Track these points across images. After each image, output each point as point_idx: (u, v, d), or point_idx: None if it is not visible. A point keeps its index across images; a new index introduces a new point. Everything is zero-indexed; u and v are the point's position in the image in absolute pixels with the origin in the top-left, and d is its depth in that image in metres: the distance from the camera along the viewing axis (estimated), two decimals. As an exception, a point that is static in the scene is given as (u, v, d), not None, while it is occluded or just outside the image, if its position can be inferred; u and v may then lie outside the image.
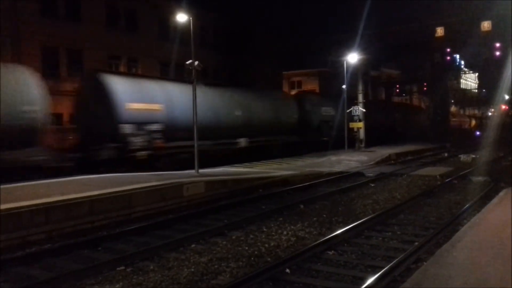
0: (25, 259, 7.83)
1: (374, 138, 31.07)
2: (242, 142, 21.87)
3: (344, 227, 9.34)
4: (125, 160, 16.28)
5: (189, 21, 16.07)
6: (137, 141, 16.59)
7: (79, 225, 9.65)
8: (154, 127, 17.31)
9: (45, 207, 9.19)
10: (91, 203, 10.00)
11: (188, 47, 16.01)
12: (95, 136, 16.39)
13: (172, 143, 17.73)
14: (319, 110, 28.96)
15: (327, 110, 29.38)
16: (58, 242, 8.91)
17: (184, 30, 21.83)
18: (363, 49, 30.97)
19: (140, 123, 16.80)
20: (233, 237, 9.12)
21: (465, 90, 78.06)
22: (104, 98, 16.44)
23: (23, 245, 8.58)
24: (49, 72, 24.18)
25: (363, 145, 29.60)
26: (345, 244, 8.52)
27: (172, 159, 17.75)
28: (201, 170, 15.47)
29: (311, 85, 51.18)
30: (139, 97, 17.29)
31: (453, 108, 67.49)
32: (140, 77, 19.84)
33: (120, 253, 8.14)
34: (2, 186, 11.05)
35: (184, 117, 17.96)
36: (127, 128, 16.36)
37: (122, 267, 7.39)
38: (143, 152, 16.52)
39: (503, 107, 53.58)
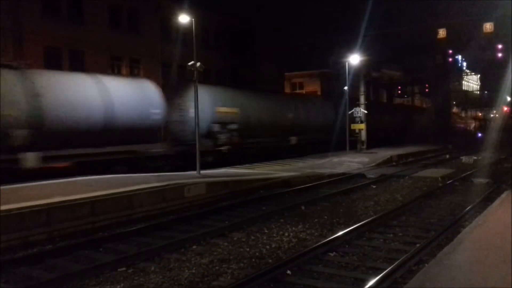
0: (26, 260, 7.83)
1: (375, 140, 31.04)
2: (293, 139, 25.57)
3: (345, 228, 9.33)
4: (214, 153, 20.32)
5: (191, 22, 16.09)
6: (222, 137, 20.76)
7: (80, 225, 9.66)
8: (233, 126, 21.34)
9: (47, 208, 9.20)
10: (92, 204, 10.01)
11: (190, 48, 16.05)
12: (190, 133, 19.48)
13: (245, 140, 22.35)
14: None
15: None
16: (60, 243, 8.92)
17: (186, 31, 21.90)
18: (365, 50, 30.93)
19: (224, 123, 20.91)
20: (234, 238, 9.12)
21: (466, 91, 77.94)
22: (200, 103, 19.17)
23: (24, 245, 8.59)
24: (51, 73, 24.17)
25: (364, 146, 29.56)
26: (347, 246, 8.51)
27: (244, 153, 22.27)
28: (202, 171, 15.48)
29: (313, 86, 51.14)
30: (223, 103, 21.36)
31: (455, 110, 67.44)
32: (223, 86, 24.78)
33: (121, 254, 8.15)
34: (3, 187, 11.07)
35: (254, 119, 22.95)
36: (216, 127, 20.43)
37: (123, 268, 7.39)
38: (226, 147, 20.60)
39: (505, 108, 53.51)
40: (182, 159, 18.80)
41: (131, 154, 16.57)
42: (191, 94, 19.28)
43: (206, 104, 19.69)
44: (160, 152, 17.87)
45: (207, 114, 19.86)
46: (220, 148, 20.54)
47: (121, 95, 16.69)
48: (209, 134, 20.25)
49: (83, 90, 15.58)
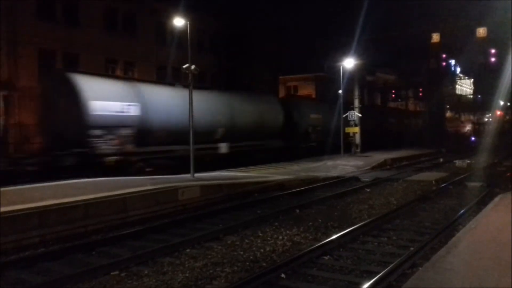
0: (19, 263, 7.77)
1: (370, 143, 31.14)
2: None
3: (340, 232, 9.33)
4: (307, 148, 27.50)
5: (186, 25, 16.07)
6: (313, 136, 28.37)
7: (73, 229, 9.59)
8: (318, 128, 28.84)
9: (40, 210, 9.13)
10: (85, 207, 9.95)
11: (186, 51, 16.02)
12: (296, 132, 27.21)
13: (325, 138, 29.15)
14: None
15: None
16: (52, 246, 8.85)
17: (181, 34, 21.90)
18: (360, 54, 31.09)
19: (314, 126, 28.46)
20: (228, 242, 9.09)
21: (460, 95, 78.36)
22: (298, 111, 27.69)
23: (17, 249, 8.51)
24: (45, 75, 24.07)
25: (359, 150, 29.66)
26: (341, 249, 8.50)
27: (323, 147, 28.27)
28: (196, 174, 15.43)
29: (308, 90, 51.25)
30: (314, 111, 29.17)
31: (449, 114, 67.75)
32: (312, 100, 35.31)
33: (114, 257, 8.09)
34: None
35: (329, 123, 29.44)
36: (310, 129, 28.26)
37: (116, 272, 7.34)
38: (314, 143, 28.15)
39: (498, 112, 53.81)
40: (290, 151, 25.83)
41: (264, 146, 23.97)
42: (294, 104, 27.99)
43: (305, 112, 28.05)
44: (278, 145, 25.12)
45: (305, 120, 27.79)
46: (312, 144, 27.82)
47: (265, 107, 25.05)
48: (306, 134, 27.76)
49: (250, 105, 23.88)
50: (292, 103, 28.03)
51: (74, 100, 15.77)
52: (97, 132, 15.65)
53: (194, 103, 17.87)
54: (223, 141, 20.83)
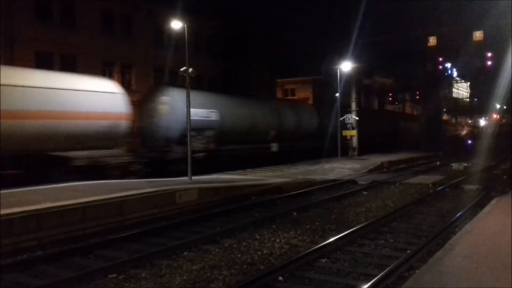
0: (16, 266, 7.77)
1: (367, 146, 31.16)
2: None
3: (337, 234, 9.35)
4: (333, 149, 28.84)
5: (183, 27, 16.09)
6: (339, 138, 28.97)
7: (71, 231, 9.58)
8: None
9: (37, 213, 9.12)
10: (83, 210, 9.94)
11: (183, 53, 16.04)
12: (328, 138, 29.04)
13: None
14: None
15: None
16: (50, 249, 8.84)
17: (179, 36, 21.96)
18: (357, 57, 31.12)
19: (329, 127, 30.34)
20: (226, 245, 9.09)
21: (457, 99, 78.57)
22: (327, 116, 30.00)
23: (14, 252, 8.50)
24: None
25: (356, 153, 29.67)
26: (338, 252, 8.52)
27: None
28: (194, 177, 15.43)
29: (305, 93, 51.33)
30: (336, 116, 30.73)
31: (446, 117, 67.87)
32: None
33: (112, 260, 8.09)
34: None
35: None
36: (338, 130, 28.89)
37: (114, 275, 7.34)
38: (339, 144, 28.74)
39: (494, 116, 53.97)
40: (323, 151, 27.47)
41: (304, 146, 27.84)
42: (323, 110, 30.59)
43: (331, 116, 29.92)
44: (315, 145, 28.05)
45: (333, 123, 29.57)
46: (337, 145, 29.16)
47: (305, 113, 29.20)
48: (333, 136, 28.65)
49: (293, 111, 28.04)
50: (322, 109, 31.07)
51: (173, 108, 19.12)
52: (191, 133, 18.60)
53: (254, 110, 24.13)
54: (274, 141, 24.82)
